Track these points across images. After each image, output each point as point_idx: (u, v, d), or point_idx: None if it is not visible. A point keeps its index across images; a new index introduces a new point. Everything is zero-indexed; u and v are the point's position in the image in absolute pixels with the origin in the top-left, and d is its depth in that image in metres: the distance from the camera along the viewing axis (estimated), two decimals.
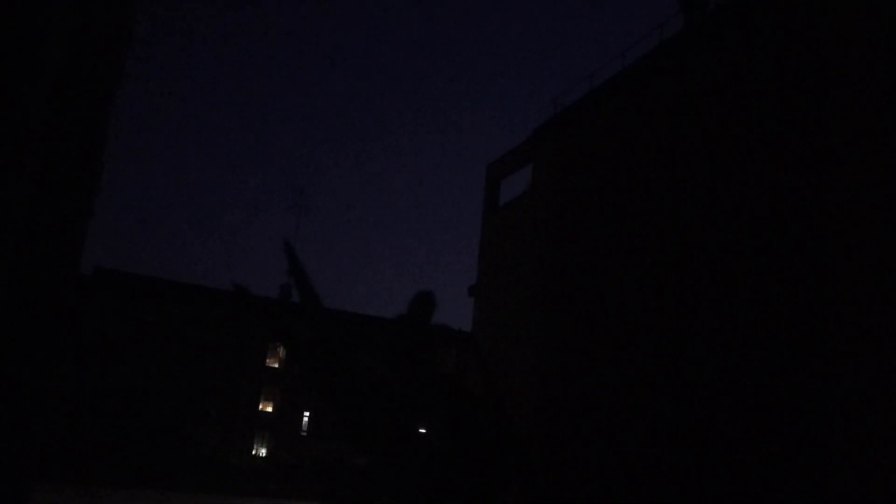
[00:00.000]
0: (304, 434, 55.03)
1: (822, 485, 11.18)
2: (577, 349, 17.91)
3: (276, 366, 55.10)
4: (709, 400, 13.67)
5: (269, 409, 54.92)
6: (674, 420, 14.35)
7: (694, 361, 14.23)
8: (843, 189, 12.07)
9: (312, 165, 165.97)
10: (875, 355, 11.02)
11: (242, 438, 53.29)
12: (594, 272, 17.95)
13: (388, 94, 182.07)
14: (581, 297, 18.23)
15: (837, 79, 12.59)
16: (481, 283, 23.23)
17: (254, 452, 53.87)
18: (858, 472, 10.88)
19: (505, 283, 21.77)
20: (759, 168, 13.71)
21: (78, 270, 18.55)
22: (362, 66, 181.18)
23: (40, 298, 16.23)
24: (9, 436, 15.60)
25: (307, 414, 55.28)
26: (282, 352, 54.40)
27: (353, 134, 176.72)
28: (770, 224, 13.20)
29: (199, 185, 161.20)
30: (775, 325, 12.64)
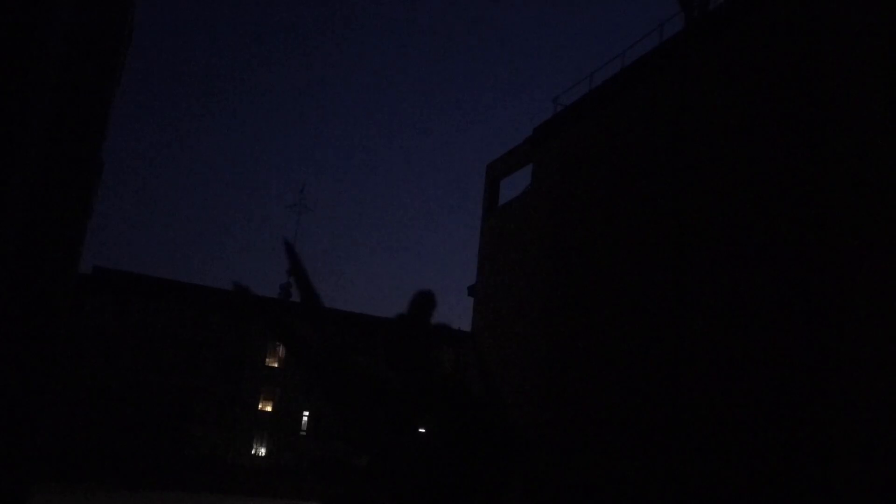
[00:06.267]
0: (304, 434, 55.03)
1: (825, 488, 11.18)
2: (577, 348, 17.91)
3: (276, 366, 55.11)
4: (710, 400, 13.66)
5: (269, 408, 54.92)
6: (674, 420, 14.35)
7: (695, 361, 14.22)
8: (845, 188, 12.06)
9: (313, 165, 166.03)
10: (878, 354, 11.02)
11: (242, 438, 53.29)
12: (594, 272, 17.94)
13: (388, 94, 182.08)
14: (581, 297, 18.22)
15: (838, 78, 12.59)
16: (481, 283, 23.22)
17: (253, 452, 53.87)
18: (862, 475, 10.87)
19: (505, 282, 21.76)
20: (760, 167, 13.70)
21: (77, 270, 18.57)
22: (363, 66, 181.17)
23: (40, 298, 16.23)
24: (9, 436, 15.59)
25: (307, 414, 55.28)
26: (282, 352, 54.42)
27: (353, 133, 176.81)
28: (772, 223, 13.19)
29: (199, 185, 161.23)
30: (777, 325, 12.63)
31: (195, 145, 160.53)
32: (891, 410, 10.65)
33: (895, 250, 11.10)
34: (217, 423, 52.69)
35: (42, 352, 16.07)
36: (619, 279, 16.99)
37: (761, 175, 13.62)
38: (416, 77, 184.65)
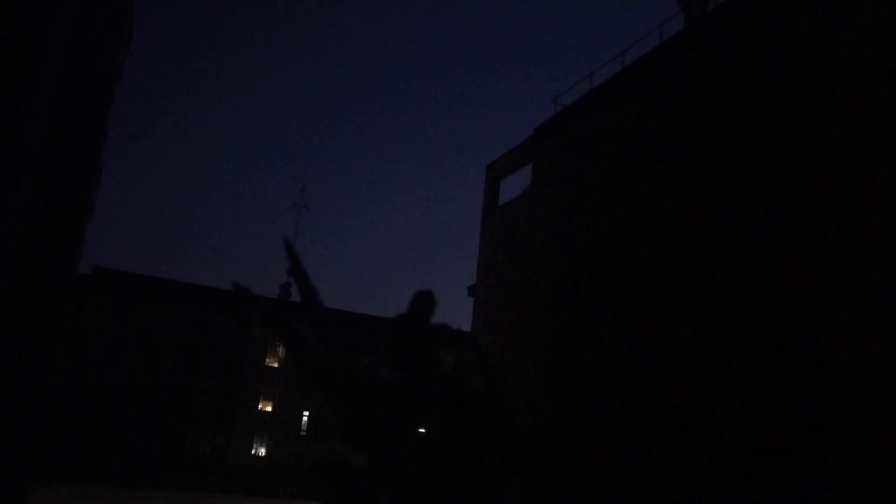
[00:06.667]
0: (304, 434, 55.05)
1: (826, 488, 11.18)
2: (577, 348, 17.92)
3: (276, 366, 55.12)
4: (709, 399, 13.67)
5: (269, 408, 54.93)
6: (674, 419, 14.35)
7: (695, 361, 14.23)
8: (844, 188, 12.07)
9: (313, 164, 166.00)
10: (877, 354, 11.02)
11: (242, 438, 53.29)
12: (594, 272, 17.95)
13: (388, 94, 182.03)
14: (581, 297, 18.23)
15: (838, 78, 12.59)
16: (481, 282, 23.23)
17: (253, 452, 53.88)
18: (862, 475, 10.88)
19: (505, 282, 21.77)
20: (760, 168, 13.71)
21: (77, 270, 18.60)
22: (363, 66, 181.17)
23: (40, 298, 16.25)
24: (9, 436, 15.61)
25: (307, 414, 55.31)
26: (282, 352, 54.44)
27: (353, 133, 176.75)
28: (771, 224, 13.20)
29: (200, 185, 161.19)
30: (777, 324, 12.63)
31: (195, 145, 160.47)
32: (891, 410, 10.65)
33: (894, 248, 11.11)
34: (217, 423, 52.68)
35: (42, 352, 16.07)
36: (619, 279, 16.99)
37: (762, 175, 13.62)
38: (417, 77, 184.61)
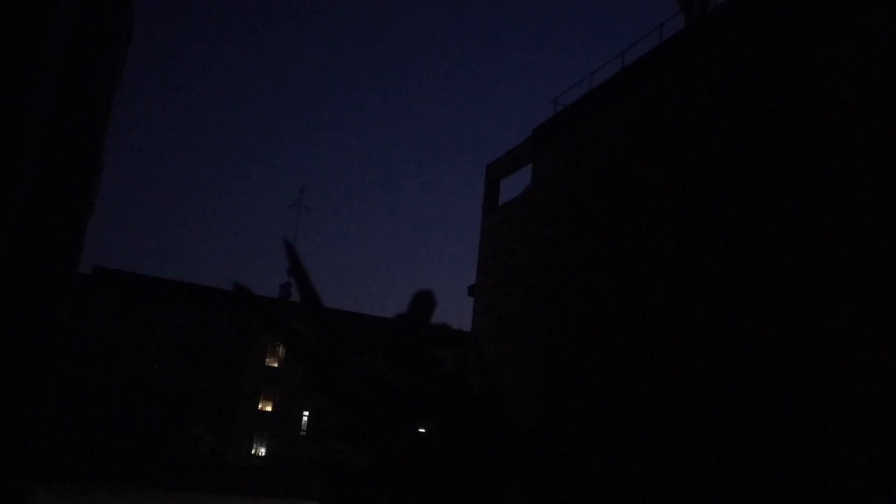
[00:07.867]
0: (304, 434, 55.06)
1: (825, 487, 11.18)
2: (577, 348, 17.91)
3: (276, 366, 55.13)
4: (710, 400, 13.67)
5: (269, 408, 54.93)
6: (675, 419, 14.35)
7: (695, 361, 14.23)
8: (843, 189, 12.07)
9: (313, 164, 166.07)
10: (876, 355, 11.02)
11: (242, 438, 53.29)
12: (594, 272, 17.95)
13: (388, 94, 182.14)
14: (581, 297, 18.23)
15: (838, 78, 12.59)
16: (481, 283, 23.22)
17: (253, 452, 53.87)
18: (860, 473, 10.88)
19: (505, 282, 21.77)
20: (760, 168, 13.71)
21: (77, 270, 18.61)
22: (363, 66, 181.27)
23: (40, 298, 16.25)
24: (9, 436, 15.62)
25: (307, 413, 55.32)
26: (282, 352, 54.45)
27: (353, 133, 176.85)
28: (770, 224, 13.20)
29: (200, 185, 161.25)
30: (776, 324, 12.63)
31: (195, 145, 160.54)
32: (891, 410, 10.65)
33: (894, 250, 11.10)
34: (217, 422, 52.67)
35: (42, 352, 16.07)
36: (619, 278, 16.99)
37: (761, 174, 13.62)
38: (417, 77, 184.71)
